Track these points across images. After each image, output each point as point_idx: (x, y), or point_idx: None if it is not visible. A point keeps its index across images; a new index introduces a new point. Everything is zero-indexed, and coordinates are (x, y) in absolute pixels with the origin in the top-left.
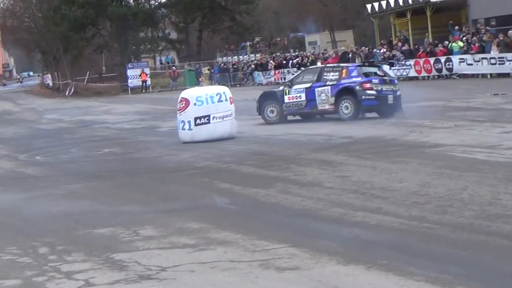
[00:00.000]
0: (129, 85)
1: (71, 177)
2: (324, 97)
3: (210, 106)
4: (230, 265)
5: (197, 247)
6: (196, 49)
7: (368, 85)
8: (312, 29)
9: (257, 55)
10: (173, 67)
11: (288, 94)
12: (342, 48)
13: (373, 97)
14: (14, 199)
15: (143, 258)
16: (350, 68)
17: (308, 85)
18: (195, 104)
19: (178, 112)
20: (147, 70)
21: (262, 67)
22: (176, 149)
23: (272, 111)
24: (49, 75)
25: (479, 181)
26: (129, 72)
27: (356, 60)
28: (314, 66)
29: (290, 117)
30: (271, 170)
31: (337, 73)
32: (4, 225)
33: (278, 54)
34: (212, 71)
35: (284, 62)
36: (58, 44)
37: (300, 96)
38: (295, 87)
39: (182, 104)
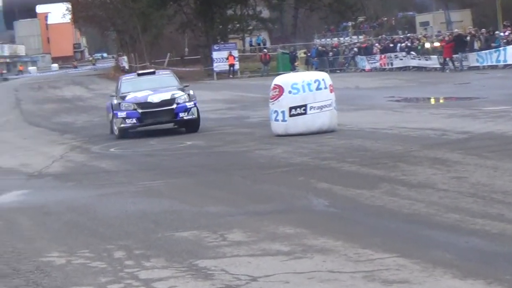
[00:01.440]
0: (215, 69)
1: (149, 172)
2: None
3: (307, 94)
4: (330, 276)
5: (292, 254)
6: (291, 29)
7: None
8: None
9: (361, 37)
10: (265, 50)
11: None
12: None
13: None
14: (86, 196)
15: (230, 266)
16: None
17: None
18: (290, 92)
19: (270, 100)
20: (235, 53)
21: (366, 50)
22: (268, 143)
23: None
24: (125, 57)
25: None
26: (215, 55)
27: (475, 45)
28: None
29: None
30: (376, 169)
31: None
32: (76, 225)
33: (385, 36)
34: (309, 54)
35: (392, 45)
36: (135, 22)
37: None
38: None
39: (275, 92)
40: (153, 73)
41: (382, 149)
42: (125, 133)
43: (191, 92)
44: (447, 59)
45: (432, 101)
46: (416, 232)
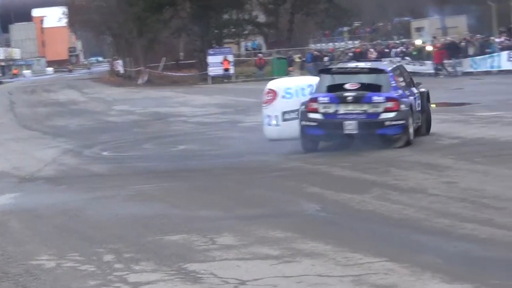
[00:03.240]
0: (210, 73)
1: (141, 176)
2: None
3: (301, 99)
4: (318, 280)
5: (281, 258)
6: (287, 34)
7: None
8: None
9: (356, 42)
10: (260, 55)
11: None
12: (448, 38)
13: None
14: (78, 200)
15: (219, 269)
16: None
17: None
18: (283, 96)
19: (263, 105)
20: (231, 57)
21: (361, 55)
22: (261, 148)
23: None
24: (120, 61)
25: None
26: (210, 59)
27: (470, 50)
28: None
29: None
30: (368, 174)
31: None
32: (66, 229)
33: (380, 41)
34: (304, 59)
35: (387, 50)
36: (131, 26)
37: None
38: None
39: (269, 96)
40: None
41: (374, 153)
42: None
43: None
44: (438, 65)
45: None
46: (406, 236)
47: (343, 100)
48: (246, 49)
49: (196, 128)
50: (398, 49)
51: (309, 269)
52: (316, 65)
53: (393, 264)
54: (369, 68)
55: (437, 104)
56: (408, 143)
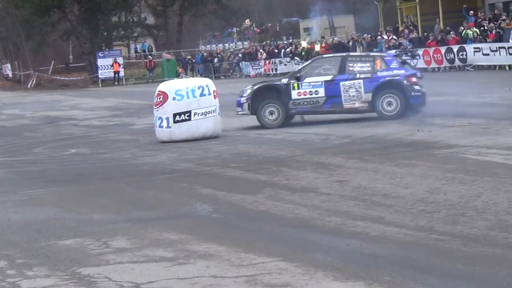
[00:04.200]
0: (100, 76)
1: (33, 181)
2: (354, 93)
3: (191, 100)
4: (213, 281)
5: (175, 260)
6: (176, 36)
7: (414, 79)
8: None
9: (245, 43)
10: (150, 57)
11: (298, 88)
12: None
13: (419, 93)
14: None
15: (114, 273)
16: (387, 58)
17: (328, 78)
18: (174, 98)
19: (155, 107)
20: (120, 60)
21: (250, 56)
22: (153, 150)
23: (272, 112)
24: (9, 65)
25: (495, 187)
26: (100, 62)
27: (357, 50)
28: (333, 55)
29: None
30: (260, 174)
31: (368, 64)
32: None
33: (269, 42)
34: (194, 61)
35: (276, 51)
36: (18, 30)
37: (317, 91)
38: (308, 80)
39: (159, 98)
40: None
41: (266, 154)
42: None
43: None
44: None
45: None
46: (299, 236)
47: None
48: (136, 51)
49: (87, 131)
50: (288, 49)
51: (203, 271)
52: (205, 66)
53: (287, 263)
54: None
55: None
56: None
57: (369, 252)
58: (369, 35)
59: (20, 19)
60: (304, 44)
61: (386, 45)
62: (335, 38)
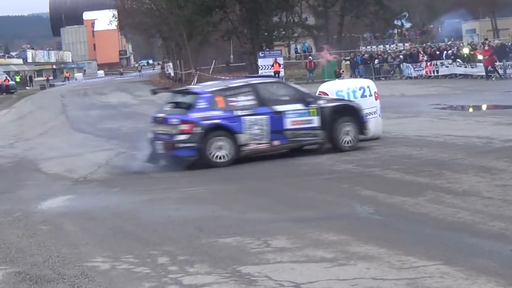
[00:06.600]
0: None
1: (193, 179)
2: None
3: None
4: (373, 283)
5: (335, 261)
6: (337, 36)
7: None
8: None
9: (406, 44)
10: (310, 57)
11: None
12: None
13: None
14: (131, 202)
15: (274, 272)
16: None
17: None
18: None
19: None
20: (281, 60)
21: (411, 58)
22: (312, 151)
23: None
24: (171, 64)
25: None
26: (260, 62)
27: None
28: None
29: None
30: (421, 177)
31: None
32: (120, 231)
33: (430, 43)
34: (355, 60)
35: (438, 52)
36: (181, 29)
37: None
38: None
39: None
40: None
41: (427, 156)
42: None
43: None
44: (490, 67)
45: (478, 108)
46: (460, 240)
47: (156, 121)
48: (296, 52)
49: None
50: (449, 51)
51: (363, 272)
52: (366, 67)
53: (448, 267)
54: (186, 90)
55: (490, 107)
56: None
57: None
58: None
59: (183, 19)
60: (466, 50)
61: None
62: (496, 41)
